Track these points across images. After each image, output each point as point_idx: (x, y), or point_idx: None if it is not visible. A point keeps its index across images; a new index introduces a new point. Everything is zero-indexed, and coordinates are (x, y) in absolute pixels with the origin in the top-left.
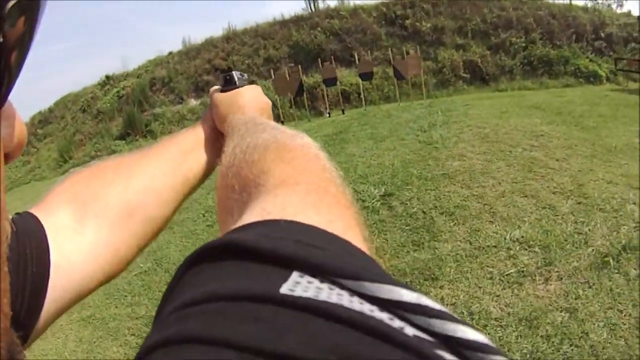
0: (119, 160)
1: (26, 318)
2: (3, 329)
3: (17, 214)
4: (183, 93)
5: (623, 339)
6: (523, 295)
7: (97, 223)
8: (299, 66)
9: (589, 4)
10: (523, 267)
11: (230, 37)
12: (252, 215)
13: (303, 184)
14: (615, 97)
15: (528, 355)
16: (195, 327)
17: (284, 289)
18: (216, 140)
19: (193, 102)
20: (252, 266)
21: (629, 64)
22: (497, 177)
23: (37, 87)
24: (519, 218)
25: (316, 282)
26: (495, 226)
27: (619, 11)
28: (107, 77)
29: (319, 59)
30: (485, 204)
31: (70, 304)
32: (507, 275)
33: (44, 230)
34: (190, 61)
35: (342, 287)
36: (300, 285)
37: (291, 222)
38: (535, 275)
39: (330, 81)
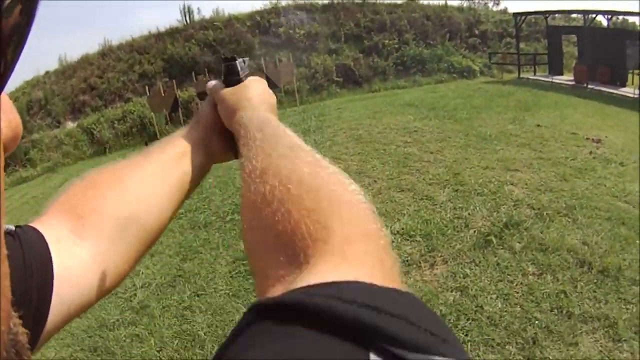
0: (112, 170)
1: (32, 328)
2: (4, 311)
3: (17, 226)
4: (60, 115)
5: (518, 306)
6: (411, 282)
7: (94, 235)
8: (174, 81)
9: (465, 4)
10: (407, 257)
11: (106, 52)
12: (319, 274)
13: (369, 256)
14: (489, 88)
15: None
16: None
17: None
18: (210, 141)
19: (70, 125)
20: (324, 339)
21: (503, 57)
22: (372, 176)
23: None
24: (397, 212)
25: None
26: None
27: (495, 9)
28: None
29: (193, 72)
30: None
31: (70, 317)
32: None
33: (46, 241)
34: (67, 80)
35: None
36: None
37: (366, 284)
38: (420, 262)
39: (204, 95)
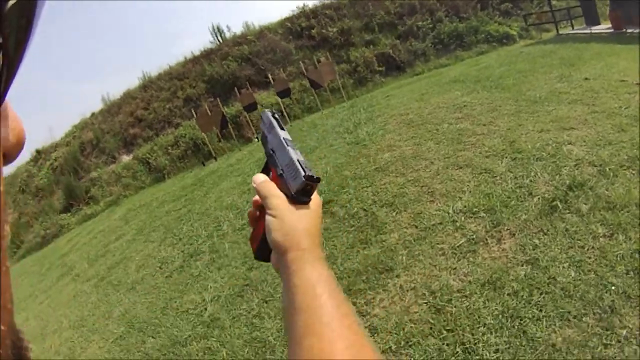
0: None
1: None
2: (8, 325)
3: None
4: (114, 151)
5: (592, 272)
6: (479, 261)
7: None
8: (218, 99)
9: None
10: (472, 235)
11: (147, 85)
12: None
13: None
14: (531, 50)
15: (500, 316)
16: None
17: None
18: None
19: (125, 158)
20: None
21: (538, 17)
22: (428, 157)
23: None
24: (458, 190)
25: None
26: (437, 204)
27: None
28: (38, 151)
29: (236, 88)
30: (422, 186)
31: None
32: (458, 246)
33: None
34: (114, 117)
35: None
36: None
37: None
38: (486, 239)
39: (251, 107)
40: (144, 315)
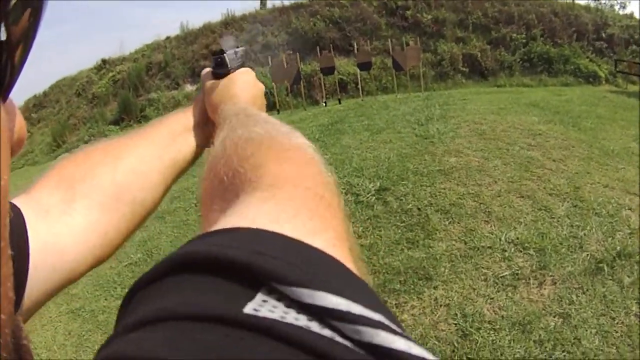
0: (108, 143)
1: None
2: (8, 314)
3: None
4: (179, 78)
5: (615, 347)
6: (517, 298)
7: (86, 205)
8: (297, 54)
9: (592, 4)
10: (518, 270)
11: (229, 22)
12: (232, 218)
13: (300, 188)
14: (614, 98)
15: None
16: (129, 349)
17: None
18: (207, 124)
19: (189, 88)
20: (209, 284)
21: (629, 66)
22: (493, 176)
23: (32, 71)
24: (514, 219)
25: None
26: (491, 226)
27: (621, 12)
28: (104, 60)
29: (318, 47)
30: (481, 203)
31: (60, 285)
32: (501, 277)
33: (22, 216)
34: (188, 46)
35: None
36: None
37: (259, 230)
38: (529, 279)
39: (328, 70)
40: (166, 248)
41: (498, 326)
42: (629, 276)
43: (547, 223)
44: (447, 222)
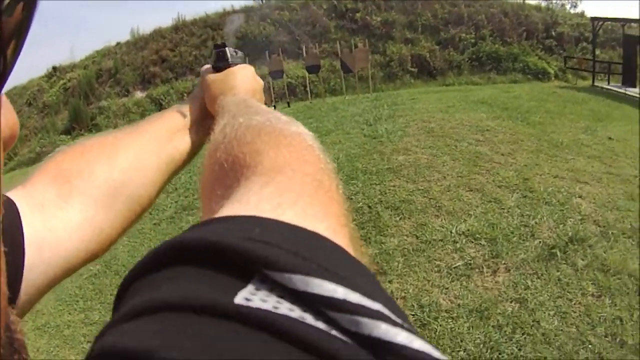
0: (105, 138)
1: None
2: (2, 308)
3: None
4: (129, 85)
5: (574, 326)
6: (472, 287)
7: (82, 201)
8: (247, 58)
9: (543, 4)
10: (470, 260)
11: (179, 27)
12: (233, 205)
13: (299, 173)
14: (564, 94)
15: (481, 345)
16: (123, 339)
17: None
18: (204, 120)
19: (139, 95)
20: (199, 273)
21: (579, 62)
22: (442, 172)
23: None
24: (464, 212)
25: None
26: (441, 220)
27: (572, 11)
28: (54, 68)
29: (267, 52)
30: (430, 198)
31: (55, 280)
32: (454, 268)
33: (17, 209)
34: (138, 52)
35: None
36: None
37: (255, 217)
38: (482, 268)
39: (277, 73)
40: (124, 259)
41: (455, 314)
42: (582, 259)
43: (497, 214)
44: (397, 218)
